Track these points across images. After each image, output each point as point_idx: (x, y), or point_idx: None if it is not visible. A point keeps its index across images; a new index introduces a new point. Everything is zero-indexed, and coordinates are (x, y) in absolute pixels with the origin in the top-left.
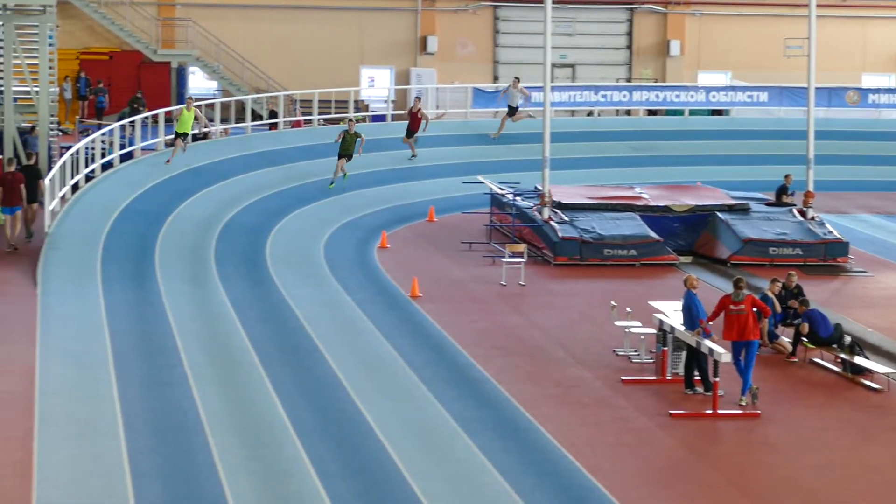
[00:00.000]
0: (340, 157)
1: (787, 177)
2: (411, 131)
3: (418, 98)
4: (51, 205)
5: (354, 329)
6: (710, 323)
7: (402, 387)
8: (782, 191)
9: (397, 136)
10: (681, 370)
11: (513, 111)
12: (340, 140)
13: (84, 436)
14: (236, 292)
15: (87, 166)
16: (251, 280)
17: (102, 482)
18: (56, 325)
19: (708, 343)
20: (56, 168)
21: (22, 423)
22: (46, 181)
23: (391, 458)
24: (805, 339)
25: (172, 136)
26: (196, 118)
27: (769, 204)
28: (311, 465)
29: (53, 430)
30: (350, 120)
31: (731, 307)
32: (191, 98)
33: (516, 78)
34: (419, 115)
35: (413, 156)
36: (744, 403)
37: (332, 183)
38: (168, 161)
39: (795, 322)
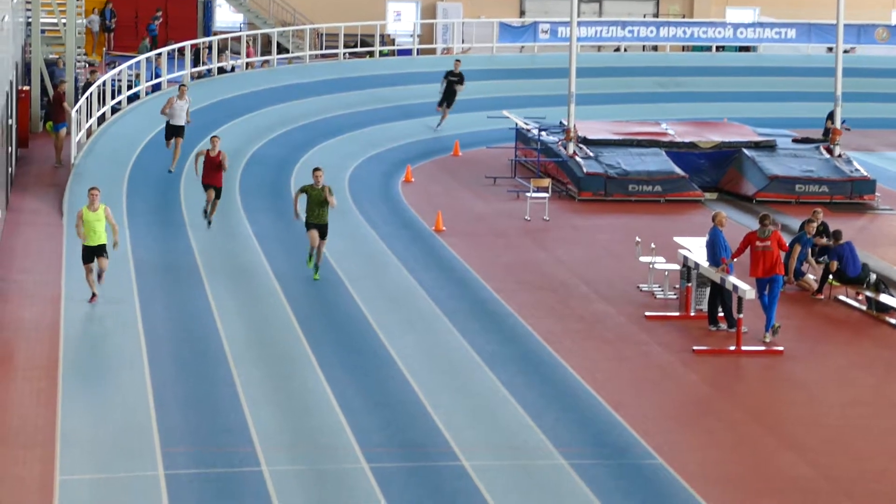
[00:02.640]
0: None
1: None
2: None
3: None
4: (77, 136)
5: (378, 263)
6: (735, 260)
7: (425, 320)
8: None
9: (422, 70)
10: (704, 306)
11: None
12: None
13: (108, 366)
14: (261, 225)
15: (113, 98)
16: (276, 212)
17: (125, 412)
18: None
19: (732, 279)
20: (82, 100)
21: (47, 352)
22: (73, 113)
23: (414, 391)
24: (832, 276)
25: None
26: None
27: (796, 140)
28: (333, 397)
29: (78, 359)
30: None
31: (758, 243)
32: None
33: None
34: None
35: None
36: (767, 340)
37: None
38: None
39: (821, 259)
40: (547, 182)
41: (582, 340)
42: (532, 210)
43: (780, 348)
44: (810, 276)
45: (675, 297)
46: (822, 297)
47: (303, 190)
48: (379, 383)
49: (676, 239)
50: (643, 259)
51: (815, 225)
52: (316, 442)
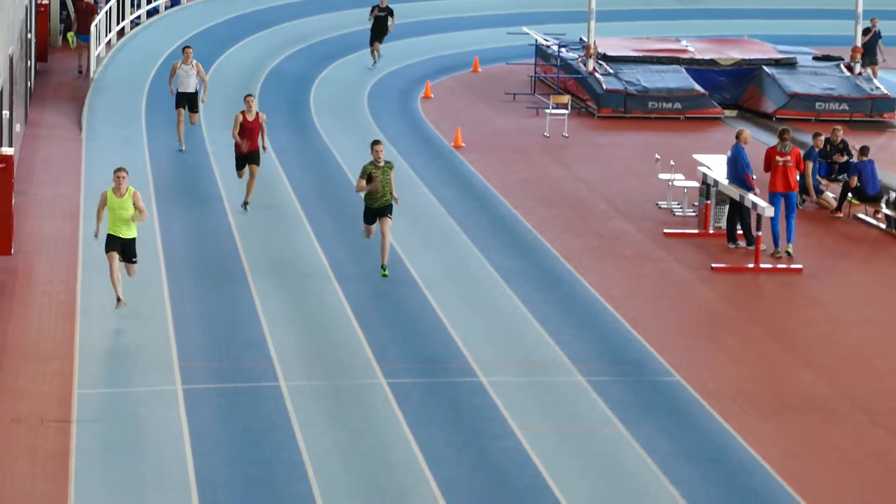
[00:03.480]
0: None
1: (872, 20)
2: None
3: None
4: (96, 50)
5: (397, 179)
6: (755, 177)
7: (444, 236)
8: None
9: None
10: (723, 224)
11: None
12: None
13: (126, 281)
14: (280, 140)
15: (132, 11)
16: (295, 128)
17: (144, 327)
18: (100, 170)
19: (751, 197)
20: (101, 14)
21: (66, 266)
22: (91, 27)
23: (432, 307)
24: (851, 194)
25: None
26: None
27: (817, 58)
28: (351, 312)
29: (96, 274)
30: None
31: (778, 158)
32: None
33: None
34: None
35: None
36: (790, 252)
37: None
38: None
39: (841, 177)
40: (566, 99)
41: (600, 257)
42: (551, 127)
43: (799, 266)
44: (829, 195)
45: (693, 214)
46: (841, 215)
47: (365, 172)
48: (397, 299)
49: (695, 156)
50: (662, 176)
51: (821, 139)
52: (334, 357)
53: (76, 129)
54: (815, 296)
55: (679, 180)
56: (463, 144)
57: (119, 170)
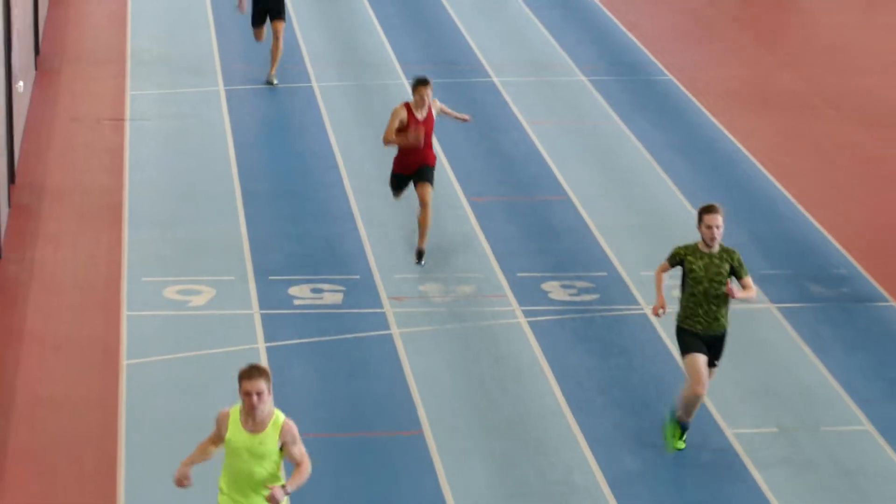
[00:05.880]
0: None
1: None
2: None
3: None
4: None
5: None
6: None
7: None
8: None
9: None
10: None
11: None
12: None
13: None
14: None
15: None
16: None
17: (190, 34)
18: None
19: None
20: None
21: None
22: None
23: (449, 14)
24: None
25: None
26: None
27: None
28: (376, 19)
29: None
30: None
31: None
32: None
33: None
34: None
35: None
36: None
37: None
38: (272, 80)
39: None
40: None
41: None
42: None
43: None
44: None
45: None
46: None
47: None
48: (417, 7)
49: None
50: None
51: None
52: (360, 59)
53: None
54: (801, 3)
55: None
56: None
57: None
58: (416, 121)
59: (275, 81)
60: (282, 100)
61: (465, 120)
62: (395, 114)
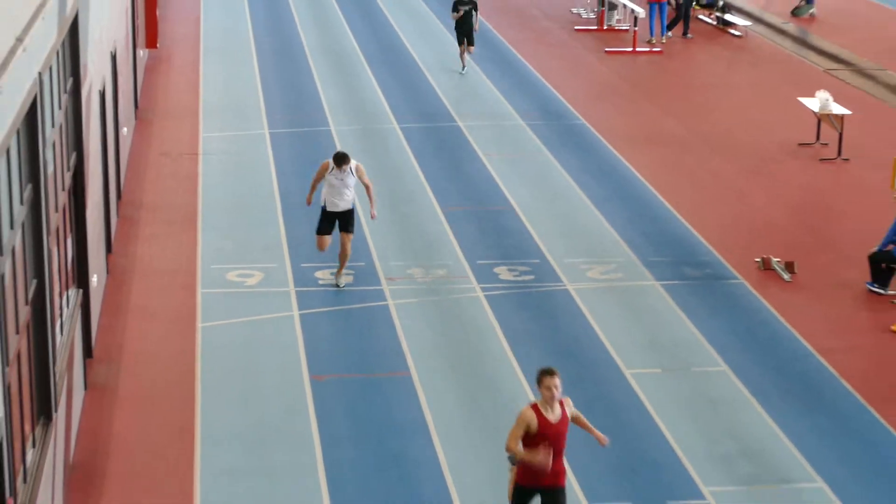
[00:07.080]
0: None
1: None
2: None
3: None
4: None
5: None
6: None
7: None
8: None
9: None
10: (614, 22)
11: None
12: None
13: (227, 61)
14: None
15: None
16: None
17: (241, 89)
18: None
19: (626, 1)
20: None
21: (192, 55)
22: None
23: (424, 74)
24: (695, 2)
25: None
26: None
27: None
28: (377, 85)
29: (216, 45)
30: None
31: None
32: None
33: None
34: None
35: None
36: (664, 40)
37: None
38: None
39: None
40: None
41: (535, 45)
42: None
43: (659, 49)
44: None
45: (594, 16)
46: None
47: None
48: (409, 76)
49: None
50: None
51: None
52: (365, 110)
53: None
54: (672, 68)
55: None
56: None
57: None
58: (549, 424)
59: (341, 285)
60: (308, 139)
61: (602, 441)
62: (521, 419)
